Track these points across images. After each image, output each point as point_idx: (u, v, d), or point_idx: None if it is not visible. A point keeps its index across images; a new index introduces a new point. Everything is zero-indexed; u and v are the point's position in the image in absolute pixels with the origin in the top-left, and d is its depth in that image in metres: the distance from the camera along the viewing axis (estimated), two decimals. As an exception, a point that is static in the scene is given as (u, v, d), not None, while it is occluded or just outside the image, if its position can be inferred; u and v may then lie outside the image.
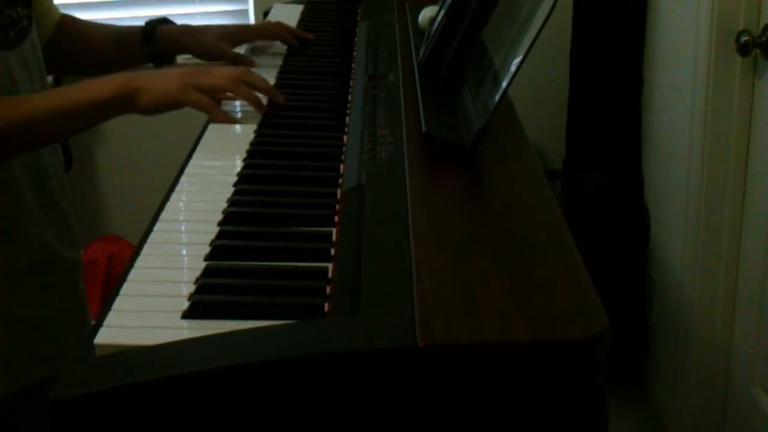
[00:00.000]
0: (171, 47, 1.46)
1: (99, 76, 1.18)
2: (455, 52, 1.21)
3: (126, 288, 0.84)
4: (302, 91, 1.36)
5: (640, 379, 2.46)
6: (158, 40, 1.45)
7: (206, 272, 0.86)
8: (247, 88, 1.23)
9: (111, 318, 0.79)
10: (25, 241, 1.21)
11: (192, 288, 0.83)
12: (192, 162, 1.14)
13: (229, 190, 1.04)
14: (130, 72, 1.21)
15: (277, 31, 1.58)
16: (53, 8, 1.42)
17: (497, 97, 0.98)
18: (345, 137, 1.18)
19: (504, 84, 0.97)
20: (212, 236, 0.93)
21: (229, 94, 1.25)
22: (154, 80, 1.17)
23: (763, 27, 1.84)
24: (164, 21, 1.49)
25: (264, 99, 1.27)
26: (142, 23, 1.48)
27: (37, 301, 1.23)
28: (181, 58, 1.52)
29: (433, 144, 1.05)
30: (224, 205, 1.01)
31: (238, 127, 1.25)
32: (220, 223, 0.96)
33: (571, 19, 2.46)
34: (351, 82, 1.39)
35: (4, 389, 1.19)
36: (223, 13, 2.66)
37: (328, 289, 0.82)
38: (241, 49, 1.57)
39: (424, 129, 1.06)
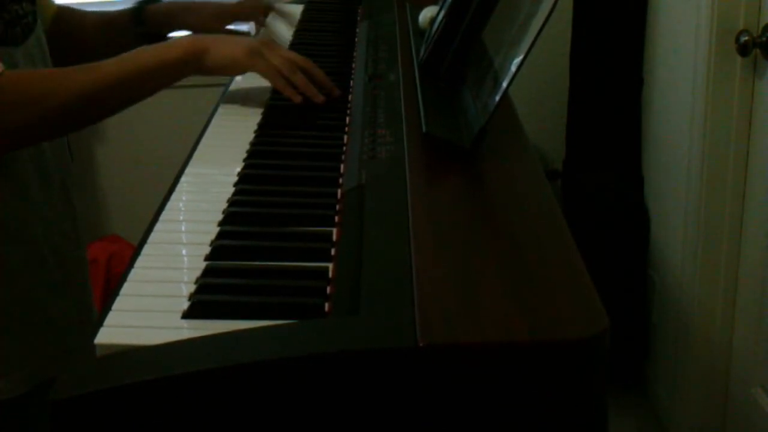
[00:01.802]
0: (164, 25, 1.46)
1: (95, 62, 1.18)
2: (455, 52, 1.21)
3: (126, 288, 0.84)
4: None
5: (640, 379, 2.46)
6: (148, 20, 1.44)
7: (206, 272, 0.86)
8: (303, 77, 1.25)
9: (111, 318, 0.79)
10: (29, 238, 1.21)
11: (192, 288, 0.83)
12: (192, 162, 1.14)
13: (229, 190, 1.04)
14: (199, 35, 1.24)
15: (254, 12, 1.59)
16: (49, 1, 1.42)
17: (497, 97, 0.98)
18: (345, 137, 1.17)
19: (504, 84, 0.97)
20: (212, 236, 0.93)
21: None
22: (222, 43, 1.20)
23: (763, 27, 1.84)
24: (153, 1, 1.48)
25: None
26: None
27: (41, 300, 1.23)
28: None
29: (434, 144, 1.05)
30: (224, 205, 1.01)
31: (238, 126, 1.25)
32: (220, 223, 0.96)
33: (571, 19, 2.46)
34: (351, 82, 1.39)
35: (9, 392, 1.19)
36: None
37: (328, 289, 0.82)
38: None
39: (424, 129, 1.06)
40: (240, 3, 1.62)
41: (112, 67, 1.14)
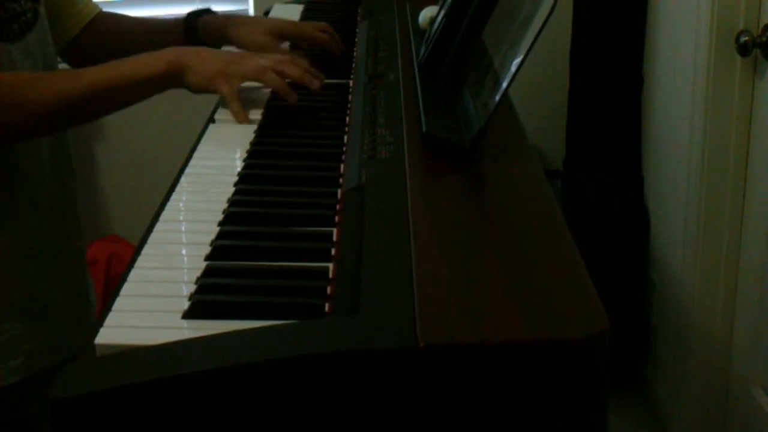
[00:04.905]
0: (215, 38, 1.45)
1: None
2: (455, 52, 1.21)
3: (126, 288, 0.84)
4: (302, 91, 1.36)
5: (640, 379, 2.46)
6: (201, 32, 1.45)
7: (206, 272, 0.86)
8: (275, 76, 1.25)
9: (111, 318, 0.79)
10: (25, 229, 1.21)
11: (192, 288, 0.83)
12: (192, 162, 1.14)
13: (229, 190, 1.04)
14: (182, 47, 1.25)
15: (326, 38, 1.53)
16: (89, 5, 1.42)
17: (497, 97, 0.98)
18: (345, 137, 1.18)
19: (504, 84, 0.97)
20: (212, 236, 0.93)
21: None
22: (202, 61, 1.22)
23: (763, 27, 1.84)
24: (207, 12, 1.48)
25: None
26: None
27: (37, 289, 1.23)
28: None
29: (433, 144, 1.05)
30: (224, 205, 1.01)
31: (238, 126, 1.25)
32: (220, 223, 0.96)
33: (571, 19, 2.46)
34: (351, 82, 1.39)
35: (3, 380, 1.19)
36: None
37: (328, 289, 0.82)
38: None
39: (424, 129, 1.06)
40: (297, 24, 1.59)
41: (95, 75, 1.16)
